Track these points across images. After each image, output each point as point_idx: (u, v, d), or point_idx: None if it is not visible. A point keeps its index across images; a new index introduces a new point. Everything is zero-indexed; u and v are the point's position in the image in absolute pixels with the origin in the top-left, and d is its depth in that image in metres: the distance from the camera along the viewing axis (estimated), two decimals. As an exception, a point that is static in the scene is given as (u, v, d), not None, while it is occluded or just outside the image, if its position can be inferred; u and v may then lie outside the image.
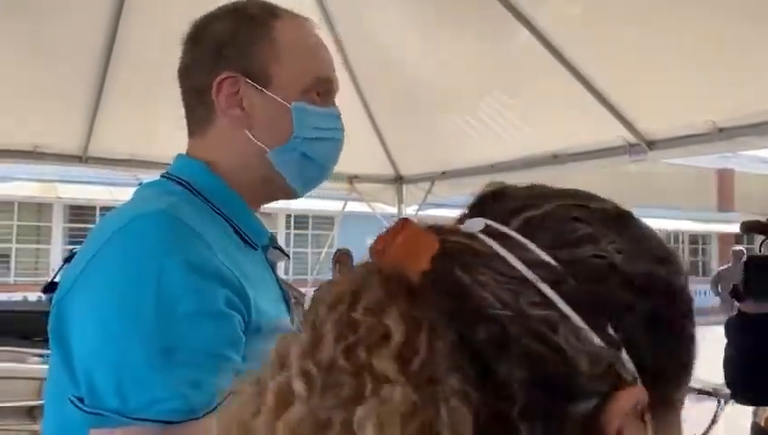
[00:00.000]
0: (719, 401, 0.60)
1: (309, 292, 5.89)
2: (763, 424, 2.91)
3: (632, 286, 0.42)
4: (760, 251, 1.58)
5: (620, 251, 0.44)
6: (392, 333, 0.37)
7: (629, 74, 3.02)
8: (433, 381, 0.35)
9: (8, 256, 13.90)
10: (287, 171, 0.87)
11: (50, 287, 0.76)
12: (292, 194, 0.92)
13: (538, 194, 0.50)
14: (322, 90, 0.89)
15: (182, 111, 0.91)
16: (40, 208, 13.96)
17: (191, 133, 0.89)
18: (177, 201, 0.77)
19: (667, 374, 0.43)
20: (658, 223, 19.84)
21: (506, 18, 2.99)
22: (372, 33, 3.76)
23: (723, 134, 3.05)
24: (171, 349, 0.65)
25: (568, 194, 0.51)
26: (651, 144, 3.38)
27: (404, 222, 0.43)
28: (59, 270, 0.80)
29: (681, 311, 0.45)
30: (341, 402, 0.36)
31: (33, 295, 6.90)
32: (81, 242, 0.78)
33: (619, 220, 0.49)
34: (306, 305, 4.37)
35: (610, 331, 0.40)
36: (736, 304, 1.60)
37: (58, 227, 13.80)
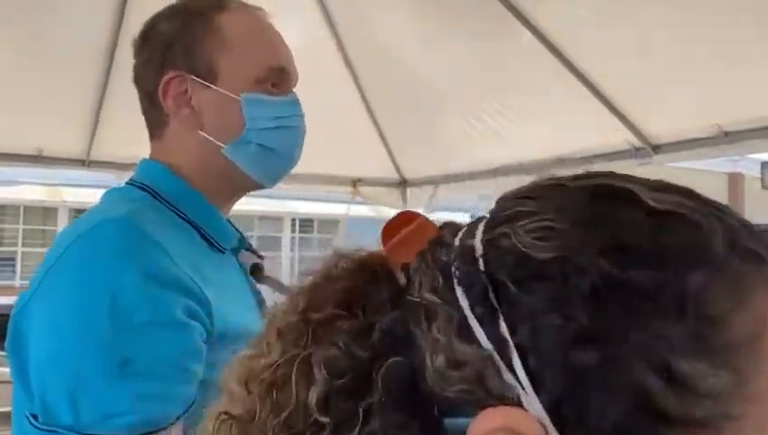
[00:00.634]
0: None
1: None
2: None
3: (550, 279, 0.32)
4: None
5: (552, 230, 0.33)
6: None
7: (634, 77, 3.00)
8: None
9: (14, 259, 13.94)
10: (246, 165, 0.85)
11: None
12: (258, 186, 0.89)
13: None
14: (278, 80, 0.86)
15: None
16: (45, 212, 14.01)
17: (151, 136, 0.89)
18: (136, 208, 0.76)
19: (584, 415, 0.29)
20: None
21: (510, 21, 2.97)
22: (375, 35, 3.75)
23: (729, 138, 3.02)
24: (127, 361, 0.64)
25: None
26: (657, 148, 3.35)
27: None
28: None
29: (634, 336, 0.30)
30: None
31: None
32: None
33: (590, 199, 0.36)
34: None
35: (502, 327, 0.31)
36: None
37: (63, 230, 13.85)
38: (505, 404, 0.29)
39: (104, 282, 0.65)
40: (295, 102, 0.89)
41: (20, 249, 13.98)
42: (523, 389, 0.29)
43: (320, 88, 4.56)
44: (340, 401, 0.34)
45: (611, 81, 3.11)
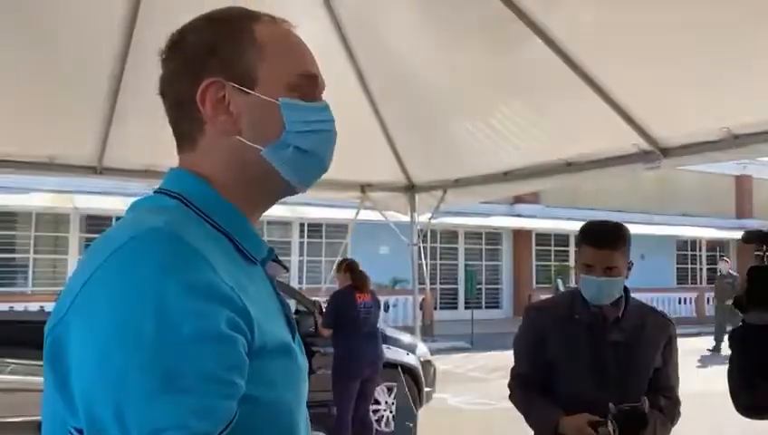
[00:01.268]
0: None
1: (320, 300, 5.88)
2: None
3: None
4: (764, 261, 1.55)
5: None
6: None
7: (643, 82, 3.00)
8: None
9: (26, 266, 14.04)
10: (283, 167, 0.85)
11: None
12: (291, 191, 0.90)
13: None
14: (308, 86, 0.88)
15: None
16: (57, 219, 14.10)
17: (180, 148, 0.87)
18: (173, 217, 0.74)
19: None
20: (677, 230, 19.67)
21: (519, 26, 2.97)
22: (384, 43, 3.76)
23: (738, 141, 3.01)
24: (174, 376, 0.63)
25: None
26: (665, 151, 3.35)
27: None
28: None
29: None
30: None
31: (51, 306, 6.94)
32: None
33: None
34: (317, 314, 4.34)
35: None
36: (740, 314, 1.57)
37: (75, 237, 13.93)
38: None
39: (148, 294, 0.64)
40: (326, 109, 0.90)
41: (32, 256, 14.08)
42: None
43: (328, 94, 4.57)
44: None
45: (620, 85, 3.11)
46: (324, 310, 5.26)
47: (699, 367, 10.68)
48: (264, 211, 0.91)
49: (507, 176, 4.58)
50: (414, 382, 5.96)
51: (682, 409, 2.19)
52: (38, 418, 0.72)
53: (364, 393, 5.02)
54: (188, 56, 0.85)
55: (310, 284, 14.72)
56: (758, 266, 1.54)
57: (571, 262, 19.15)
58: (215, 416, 0.65)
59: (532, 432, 2.19)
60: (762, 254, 1.56)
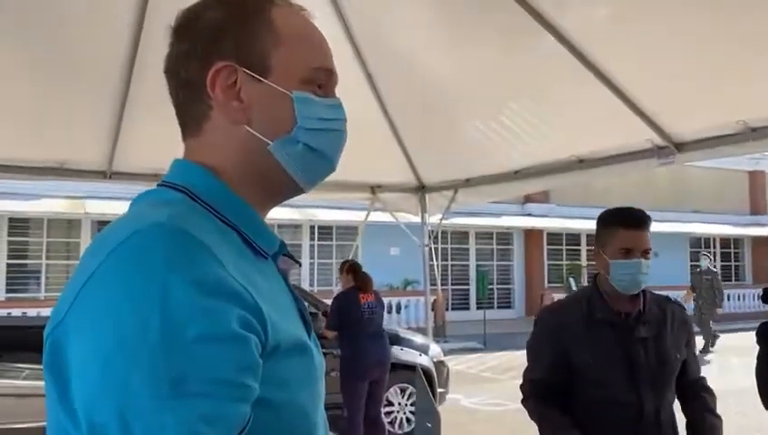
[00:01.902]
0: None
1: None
2: None
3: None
4: None
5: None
6: None
7: (656, 76, 2.95)
8: None
9: (39, 271, 14.13)
10: (291, 164, 0.79)
11: None
12: (297, 190, 0.84)
13: None
14: (324, 81, 0.82)
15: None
16: (69, 225, 14.19)
17: (185, 135, 0.82)
18: (178, 211, 0.69)
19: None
20: (690, 227, 19.50)
21: (528, 22, 2.94)
22: (392, 42, 3.73)
23: (756, 134, 2.96)
24: (181, 380, 0.58)
25: None
26: (680, 146, 3.29)
27: None
28: None
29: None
30: None
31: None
32: None
33: None
34: (321, 315, 4.31)
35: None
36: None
37: (87, 242, 13.98)
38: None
39: (152, 293, 0.60)
40: (340, 106, 0.84)
41: (44, 262, 14.16)
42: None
43: (337, 94, 4.55)
44: None
45: (633, 80, 3.06)
46: (328, 311, 5.26)
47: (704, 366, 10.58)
48: (270, 209, 0.86)
49: (518, 174, 4.54)
50: (427, 383, 5.93)
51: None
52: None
53: (374, 394, 5.01)
54: (200, 36, 0.80)
55: (321, 286, 14.71)
56: None
57: (583, 261, 19.05)
58: (226, 421, 0.60)
59: None
60: None
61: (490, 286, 16.75)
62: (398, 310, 13.51)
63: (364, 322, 4.97)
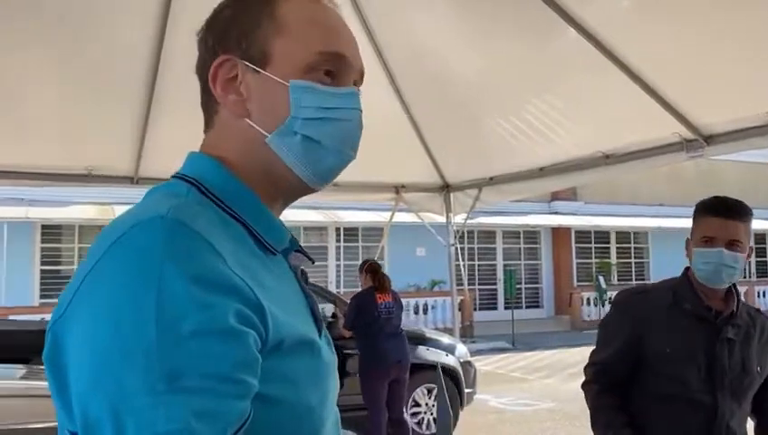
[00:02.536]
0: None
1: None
2: None
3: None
4: None
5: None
6: None
7: (683, 68, 2.89)
8: None
9: (71, 277, 14.41)
10: (289, 157, 0.77)
11: None
12: (305, 187, 0.80)
13: None
14: (333, 68, 0.78)
15: None
16: (100, 230, 14.43)
17: (205, 129, 0.82)
18: (182, 203, 0.68)
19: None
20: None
21: (550, 16, 2.90)
22: (413, 40, 3.72)
23: (787, 124, 2.88)
24: (175, 374, 0.57)
25: None
26: (709, 139, 3.22)
27: None
28: None
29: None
30: None
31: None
32: None
33: None
34: (339, 315, 4.30)
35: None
36: None
37: (117, 247, 14.21)
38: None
39: (148, 287, 0.59)
40: (351, 95, 0.80)
41: (76, 267, 14.34)
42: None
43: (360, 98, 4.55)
44: None
45: (658, 73, 3.00)
46: (346, 311, 5.30)
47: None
48: (283, 206, 0.84)
49: (543, 172, 4.49)
50: (454, 384, 5.90)
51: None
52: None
53: (395, 395, 5.02)
54: (213, 34, 0.80)
55: (348, 288, 14.73)
56: None
57: (613, 259, 18.79)
58: (220, 417, 0.59)
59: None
60: None
61: (518, 286, 16.61)
62: (425, 310, 13.46)
63: (381, 321, 4.99)
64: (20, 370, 3.84)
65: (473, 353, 11.58)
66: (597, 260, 18.72)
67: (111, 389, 0.58)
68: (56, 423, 0.67)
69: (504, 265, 17.20)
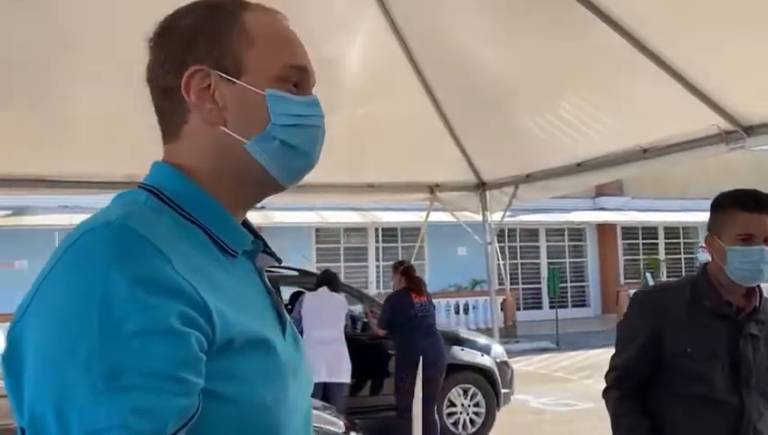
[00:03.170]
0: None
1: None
2: None
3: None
4: None
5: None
6: None
7: (719, 58, 2.80)
8: None
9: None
10: (267, 161, 0.82)
11: None
12: (277, 187, 0.86)
13: None
14: (298, 79, 0.84)
15: None
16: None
17: (165, 138, 0.85)
18: (133, 210, 0.72)
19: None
20: None
21: (582, 13, 2.84)
22: (442, 38, 3.70)
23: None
24: (116, 373, 0.61)
25: None
26: (749, 130, 3.12)
27: None
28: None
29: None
30: None
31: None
32: None
33: None
34: (370, 315, 4.32)
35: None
36: None
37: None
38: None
39: (93, 289, 0.63)
40: (316, 103, 0.87)
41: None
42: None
43: (391, 97, 4.56)
44: None
45: (693, 63, 2.92)
46: (380, 311, 5.33)
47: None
48: (250, 207, 0.88)
49: (581, 167, 4.41)
50: (490, 384, 5.86)
51: None
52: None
53: (429, 394, 5.03)
54: (175, 42, 0.83)
55: (387, 289, 14.75)
56: None
57: (661, 255, 18.31)
58: (160, 414, 0.62)
59: None
60: None
61: (563, 284, 16.34)
62: (466, 311, 13.36)
63: (417, 320, 5.01)
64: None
65: (516, 354, 11.48)
66: (645, 257, 18.27)
67: (56, 386, 0.61)
68: None
69: (548, 264, 16.96)
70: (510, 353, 10.64)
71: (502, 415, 6.05)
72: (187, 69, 0.80)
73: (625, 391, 1.87)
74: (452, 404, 5.74)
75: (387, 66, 3.94)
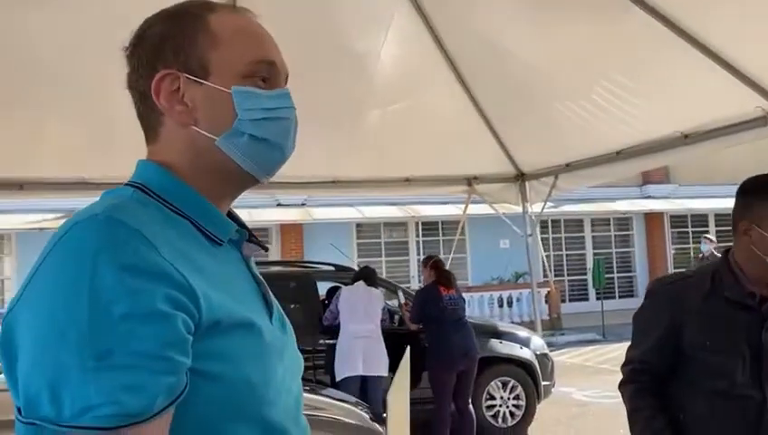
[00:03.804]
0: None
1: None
2: None
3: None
4: None
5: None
6: None
7: (759, 38, 2.71)
8: None
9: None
10: (239, 156, 0.85)
11: None
12: (253, 180, 0.89)
13: None
14: (267, 74, 0.87)
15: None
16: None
17: (147, 140, 0.90)
18: (118, 203, 0.76)
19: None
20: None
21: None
22: (475, 29, 3.67)
23: None
24: (106, 353, 0.65)
25: None
26: (795, 111, 3.01)
27: None
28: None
29: None
30: None
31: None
32: None
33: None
34: (403, 309, 4.34)
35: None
36: None
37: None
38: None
39: (82, 276, 0.67)
40: (286, 95, 0.89)
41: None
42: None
43: (425, 90, 4.56)
44: None
45: (733, 44, 2.83)
46: (411, 306, 5.36)
47: None
48: (232, 200, 0.91)
49: (621, 155, 4.33)
50: (530, 377, 5.81)
51: None
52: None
53: (462, 386, 5.02)
54: (146, 50, 0.87)
55: (432, 282, 14.70)
56: None
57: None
58: (147, 390, 0.66)
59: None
60: None
61: (610, 275, 16.03)
62: (510, 304, 13.23)
63: (447, 312, 5.02)
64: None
65: (560, 346, 11.33)
66: (694, 245, 17.76)
67: (49, 368, 0.66)
68: None
69: (594, 254, 16.66)
70: (555, 346, 10.55)
71: (544, 408, 5.98)
72: (156, 74, 0.84)
73: (641, 384, 1.80)
74: (491, 397, 5.72)
75: (420, 60, 3.94)
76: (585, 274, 16.81)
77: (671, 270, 17.28)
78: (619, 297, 16.84)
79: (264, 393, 0.79)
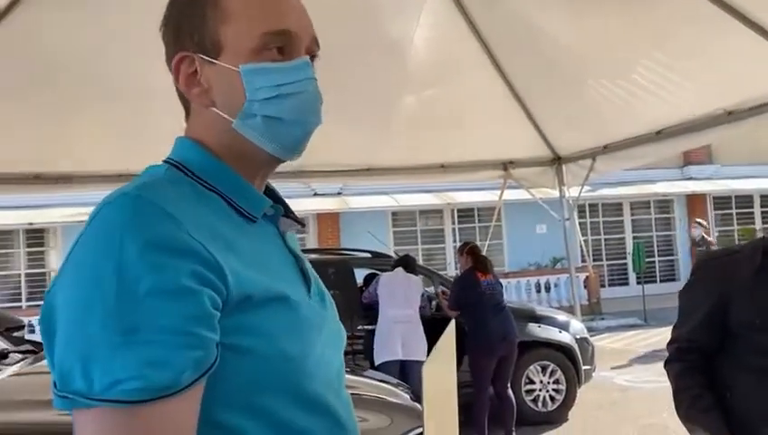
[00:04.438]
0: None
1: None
2: None
3: None
4: None
5: None
6: None
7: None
8: None
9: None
10: (257, 137, 0.83)
11: None
12: (278, 159, 0.87)
13: None
14: (282, 44, 0.83)
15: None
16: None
17: (186, 117, 0.90)
18: (150, 181, 0.78)
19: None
20: None
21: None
22: (509, 11, 3.62)
23: None
24: (133, 329, 0.67)
25: None
26: None
27: None
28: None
29: None
30: None
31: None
32: None
33: None
34: (441, 296, 4.35)
35: None
36: None
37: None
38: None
39: (110, 255, 0.69)
40: (303, 66, 0.84)
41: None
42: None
43: (460, 75, 4.51)
44: None
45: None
46: (449, 293, 5.36)
47: None
48: (265, 177, 0.90)
49: (660, 135, 4.23)
50: (570, 361, 5.75)
51: None
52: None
53: (501, 370, 5.00)
54: (168, 33, 0.87)
55: (468, 268, 14.62)
56: None
57: (758, 224, 17.27)
58: (172, 365, 0.68)
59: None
60: None
61: (650, 259, 15.72)
62: (548, 289, 13.09)
63: (486, 297, 5.00)
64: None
65: (600, 331, 11.16)
66: (739, 227, 17.28)
67: (80, 344, 0.68)
68: None
69: (634, 238, 16.35)
70: (595, 331, 10.41)
71: (585, 392, 5.91)
72: (176, 56, 0.85)
73: (688, 363, 1.75)
74: (531, 381, 5.69)
75: (454, 43, 3.91)
76: (624, 258, 16.52)
77: (715, 253, 16.83)
78: (661, 281, 16.51)
79: (303, 366, 0.80)
